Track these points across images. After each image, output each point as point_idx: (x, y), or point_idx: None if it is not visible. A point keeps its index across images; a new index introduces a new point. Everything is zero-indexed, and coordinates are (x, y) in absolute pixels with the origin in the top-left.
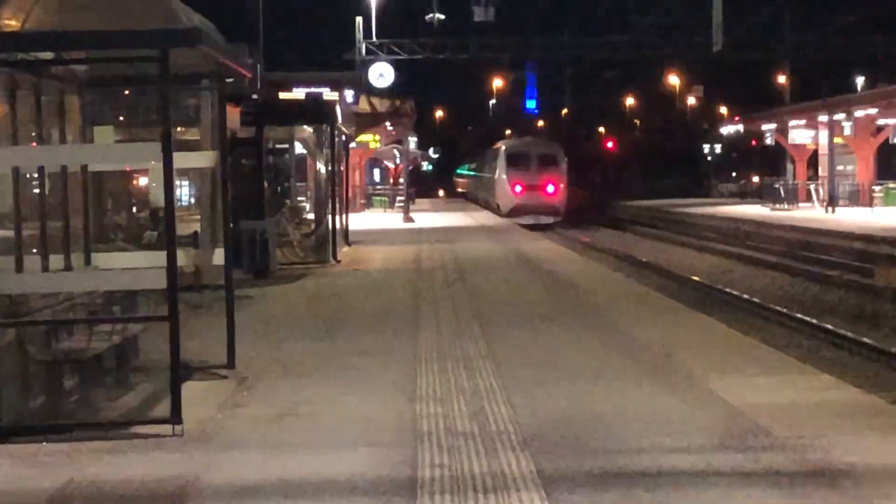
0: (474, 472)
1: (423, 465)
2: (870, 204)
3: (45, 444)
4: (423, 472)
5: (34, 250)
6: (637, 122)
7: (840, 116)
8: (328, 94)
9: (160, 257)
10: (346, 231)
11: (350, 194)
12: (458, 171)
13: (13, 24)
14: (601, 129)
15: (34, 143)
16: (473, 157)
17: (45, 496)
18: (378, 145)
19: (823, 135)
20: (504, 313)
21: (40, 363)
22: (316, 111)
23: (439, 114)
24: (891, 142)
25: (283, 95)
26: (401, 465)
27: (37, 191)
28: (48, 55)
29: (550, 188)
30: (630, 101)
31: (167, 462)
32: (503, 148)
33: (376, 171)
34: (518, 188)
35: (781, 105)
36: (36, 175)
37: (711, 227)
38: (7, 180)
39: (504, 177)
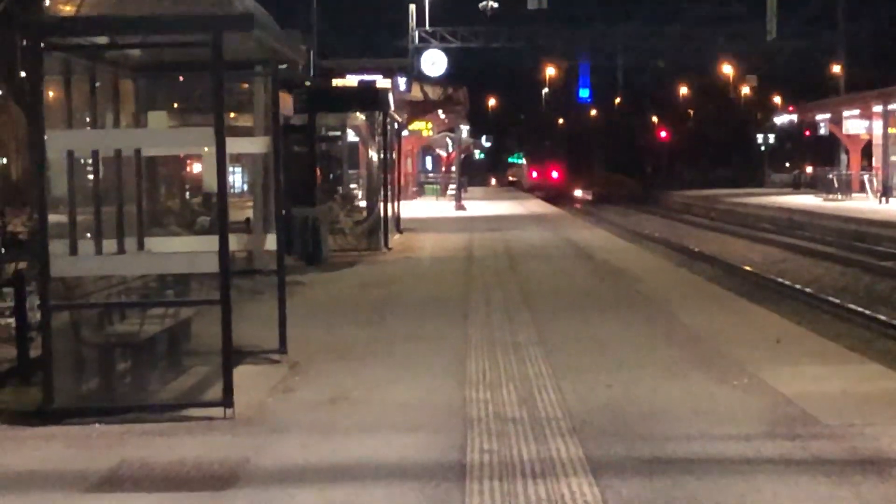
0: (523, 457)
1: (472, 450)
2: None
3: (97, 425)
4: (472, 456)
5: (88, 234)
6: (690, 111)
7: (895, 106)
8: (381, 81)
9: (213, 242)
10: (397, 218)
11: (402, 182)
12: (510, 159)
13: (68, 8)
14: (654, 119)
15: (88, 128)
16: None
17: (97, 477)
18: (430, 133)
19: (878, 125)
20: (554, 301)
21: (94, 346)
22: (368, 98)
23: (492, 102)
24: None
25: (335, 82)
26: (450, 449)
27: (91, 175)
28: (103, 40)
29: (555, 174)
30: (683, 90)
31: (218, 444)
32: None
33: (428, 159)
34: (534, 174)
35: (835, 95)
36: (90, 160)
37: (764, 216)
38: (61, 164)
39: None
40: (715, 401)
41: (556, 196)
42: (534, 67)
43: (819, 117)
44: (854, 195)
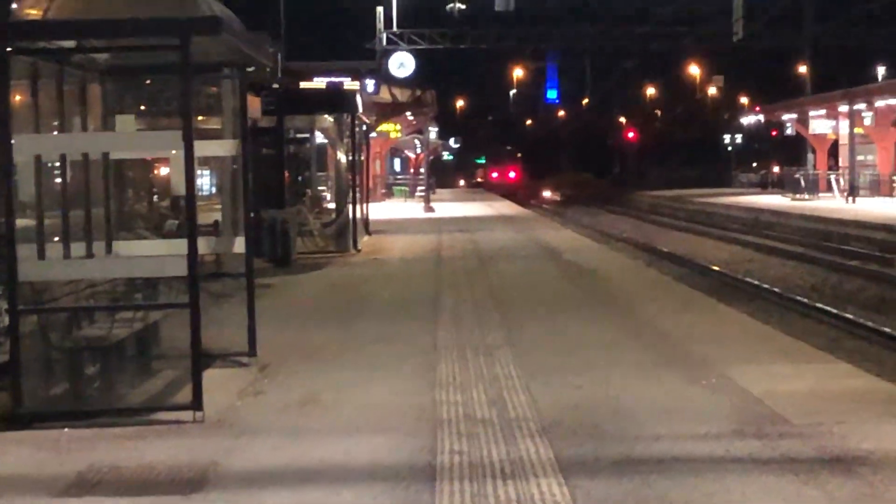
0: (493, 458)
1: (442, 452)
2: (890, 194)
3: (66, 429)
4: (443, 458)
5: (56, 238)
6: (658, 112)
7: (861, 106)
8: (349, 83)
9: (181, 245)
10: (366, 220)
11: (370, 184)
12: (477, 161)
13: (36, 12)
14: (622, 119)
15: (56, 132)
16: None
17: (67, 481)
18: (399, 135)
19: (844, 125)
20: (524, 302)
21: (62, 350)
22: (336, 100)
23: (460, 104)
24: None
25: (303, 85)
26: (420, 451)
27: (58, 179)
28: (70, 43)
29: (512, 174)
30: (651, 91)
31: (187, 448)
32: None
33: (397, 161)
34: (494, 174)
35: (802, 95)
36: (58, 163)
37: (732, 216)
38: (29, 168)
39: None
40: (684, 400)
41: (512, 193)
42: (502, 68)
43: (785, 117)
44: (821, 195)
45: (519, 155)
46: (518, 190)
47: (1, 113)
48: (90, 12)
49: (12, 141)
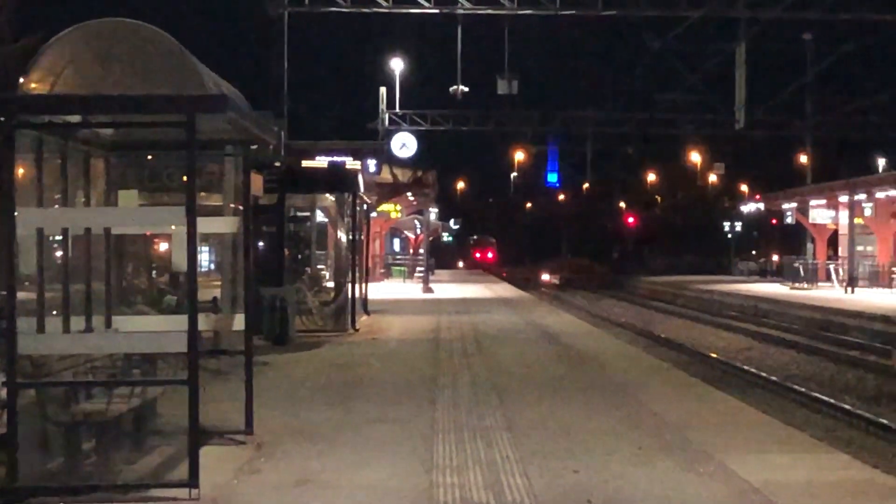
0: None
1: None
2: (889, 285)
3: None
4: None
5: (55, 312)
6: (658, 197)
7: (861, 197)
8: (351, 162)
9: (180, 321)
10: (365, 300)
11: (370, 263)
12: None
13: (42, 86)
14: (622, 204)
15: (58, 206)
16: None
17: None
18: (399, 215)
19: (844, 215)
20: (522, 386)
21: (59, 424)
22: (338, 179)
23: (461, 185)
24: None
25: (305, 163)
26: None
27: (59, 252)
28: (75, 118)
29: (490, 255)
30: (651, 176)
31: None
32: (474, 237)
33: (396, 241)
34: (477, 254)
35: (802, 184)
36: (59, 237)
37: (730, 304)
38: (31, 241)
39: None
40: (682, 488)
41: (512, 277)
42: (504, 151)
43: (785, 206)
44: (820, 284)
45: (493, 239)
46: (494, 267)
47: (5, 186)
48: (96, 88)
49: (16, 214)
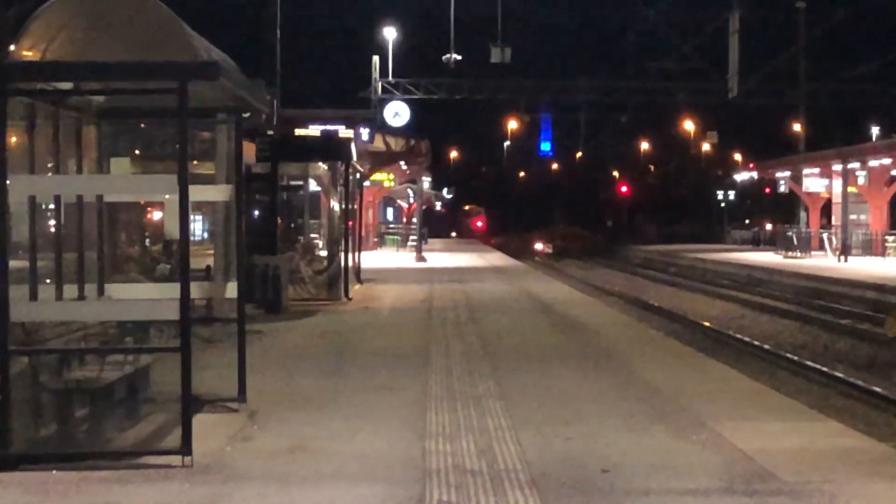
0: None
1: (430, 502)
2: (882, 254)
3: (54, 472)
4: None
5: (48, 280)
6: (651, 166)
7: (854, 165)
8: (343, 131)
9: (173, 289)
10: (357, 269)
11: (363, 232)
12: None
13: (33, 52)
14: (615, 173)
15: (51, 173)
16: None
17: None
18: (392, 184)
19: (837, 184)
20: (514, 354)
21: (52, 392)
22: (331, 148)
23: (454, 154)
24: None
25: (298, 131)
26: (408, 501)
27: (52, 221)
28: (67, 85)
29: (479, 224)
30: (644, 145)
31: (175, 493)
32: (465, 208)
33: (389, 210)
34: (470, 223)
35: (795, 153)
36: (51, 205)
37: (723, 273)
38: (23, 209)
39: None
40: (674, 455)
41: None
42: (497, 120)
43: (779, 175)
44: (813, 253)
45: (481, 209)
46: (484, 236)
47: None
48: (87, 55)
49: (7, 182)
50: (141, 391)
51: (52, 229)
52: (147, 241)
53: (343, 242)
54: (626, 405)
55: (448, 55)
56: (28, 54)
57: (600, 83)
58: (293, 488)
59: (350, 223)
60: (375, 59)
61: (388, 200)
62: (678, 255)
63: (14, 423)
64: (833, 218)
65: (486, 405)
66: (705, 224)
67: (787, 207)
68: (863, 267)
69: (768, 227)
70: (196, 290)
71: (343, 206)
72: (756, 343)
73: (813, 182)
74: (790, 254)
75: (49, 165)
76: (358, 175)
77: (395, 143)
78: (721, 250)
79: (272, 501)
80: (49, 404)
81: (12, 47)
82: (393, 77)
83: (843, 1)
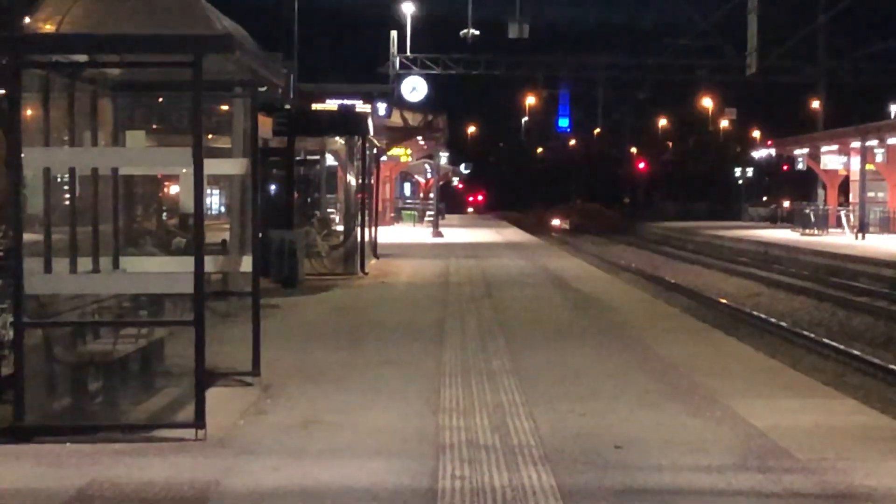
0: (495, 484)
1: (443, 477)
2: None
3: (68, 444)
4: (444, 483)
5: (63, 253)
6: (669, 143)
7: (873, 143)
8: (361, 106)
9: (188, 263)
10: (374, 244)
11: (380, 207)
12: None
13: (49, 24)
14: (633, 150)
15: (66, 146)
16: None
17: (67, 496)
18: (409, 159)
19: (855, 161)
20: (530, 330)
21: (66, 364)
22: (348, 123)
23: (471, 130)
24: None
25: (315, 106)
26: (422, 475)
27: (67, 193)
28: (82, 57)
29: (480, 198)
30: (663, 122)
31: (189, 466)
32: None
33: (406, 185)
34: (470, 197)
35: (814, 130)
36: (66, 177)
37: (741, 250)
38: (38, 181)
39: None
40: (688, 432)
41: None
42: (514, 96)
43: (797, 152)
44: (831, 230)
45: (483, 184)
46: (485, 209)
47: (12, 126)
48: (103, 27)
49: (22, 154)
50: (155, 364)
51: (68, 202)
52: (163, 214)
53: (359, 217)
54: (641, 381)
55: (466, 30)
56: (43, 25)
57: (619, 59)
58: (307, 462)
59: (366, 197)
60: (393, 33)
61: (405, 176)
62: (695, 231)
63: (28, 396)
64: (851, 195)
65: (501, 381)
66: (723, 201)
67: (805, 185)
68: (880, 244)
69: (786, 204)
70: (211, 263)
71: (360, 181)
72: (772, 320)
73: (831, 159)
74: (807, 231)
75: (64, 138)
76: (375, 150)
77: (413, 119)
78: (738, 227)
79: (285, 475)
80: (63, 377)
81: (27, 19)
82: (411, 52)
83: None
